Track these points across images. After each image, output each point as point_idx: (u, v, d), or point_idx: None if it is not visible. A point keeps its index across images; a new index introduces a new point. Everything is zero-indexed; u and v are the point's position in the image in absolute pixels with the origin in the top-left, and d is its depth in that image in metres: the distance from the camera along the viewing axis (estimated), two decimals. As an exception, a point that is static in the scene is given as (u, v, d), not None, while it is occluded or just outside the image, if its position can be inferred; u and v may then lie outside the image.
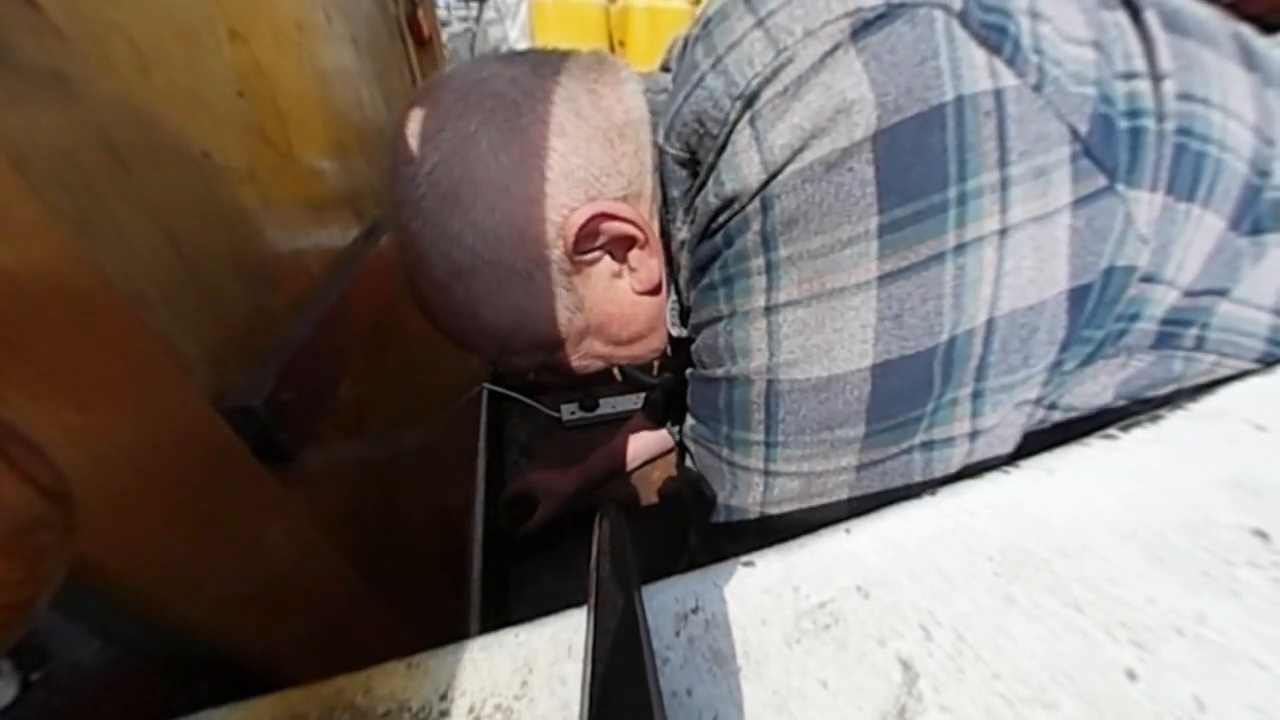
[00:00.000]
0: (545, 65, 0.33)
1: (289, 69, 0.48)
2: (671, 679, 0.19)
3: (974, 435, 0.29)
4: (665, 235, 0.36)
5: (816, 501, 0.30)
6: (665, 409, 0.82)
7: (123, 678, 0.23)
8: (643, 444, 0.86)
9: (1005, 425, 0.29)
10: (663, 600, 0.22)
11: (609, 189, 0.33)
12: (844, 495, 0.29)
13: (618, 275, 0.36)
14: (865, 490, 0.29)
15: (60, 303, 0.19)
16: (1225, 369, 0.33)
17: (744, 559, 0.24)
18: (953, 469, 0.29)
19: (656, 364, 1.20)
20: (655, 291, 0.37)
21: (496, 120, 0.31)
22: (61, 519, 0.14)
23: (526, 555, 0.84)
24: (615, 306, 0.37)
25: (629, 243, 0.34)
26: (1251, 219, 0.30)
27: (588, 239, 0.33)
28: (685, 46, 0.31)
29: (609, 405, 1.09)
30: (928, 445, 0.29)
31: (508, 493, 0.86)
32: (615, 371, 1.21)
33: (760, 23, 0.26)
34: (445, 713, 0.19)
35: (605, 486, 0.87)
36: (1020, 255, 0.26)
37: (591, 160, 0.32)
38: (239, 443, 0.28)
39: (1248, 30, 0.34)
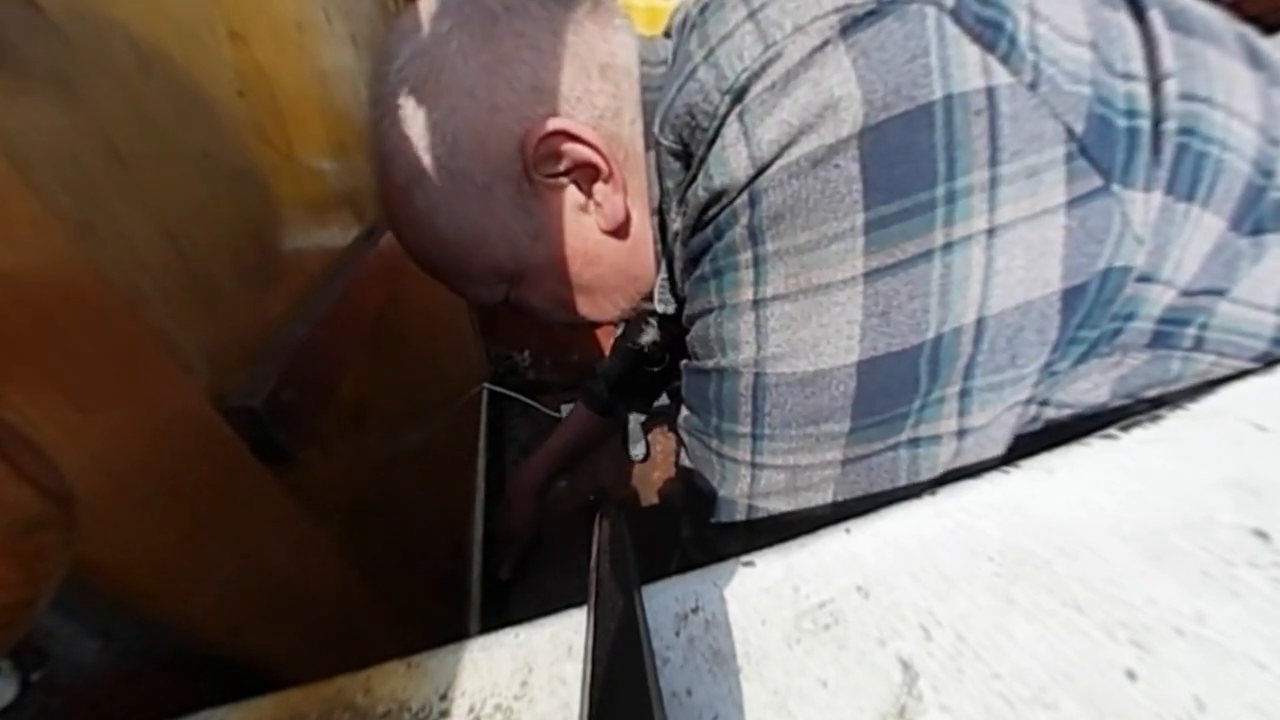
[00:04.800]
0: None
1: (289, 69, 0.48)
2: (671, 679, 0.19)
3: (961, 434, 0.29)
4: (663, 226, 0.36)
5: (803, 495, 0.30)
6: (610, 398, 0.83)
7: (123, 678, 0.23)
8: (581, 433, 0.87)
9: (996, 426, 0.29)
10: (663, 600, 0.22)
11: (577, 113, 0.32)
12: (830, 490, 0.30)
13: (583, 209, 0.35)
14: (851, 485, 0.29)
15: (60, 303, 0.19)
16: (1224, 369, 0.33)
17: (744, 559, 0.24)
18: (939, 468, 0.29)
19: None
20: (621, 234, 0.36)
21: (471, 26, 0.32)
22: (61, 519, 0.14)
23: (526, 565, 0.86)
24: (579, 241, 0.36)
25: (593, 173, 0.33)
26: (1253, 219, 0.30)
27: (549, 160, 0.33)
28: (684, 26, 0.31)
29: (609, 405, 1.09)
30: (914, 443, 0.29)
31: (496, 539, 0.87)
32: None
33: (752, 15, 0.26)
34: (445, 713, 0.19)
35: (559, 480, 0.90)
36: (1011, 255, 0.26)
37: (562, 80, 0.32)
38: (239, 443, 0.28)
39: (1251, 31, 0.34)
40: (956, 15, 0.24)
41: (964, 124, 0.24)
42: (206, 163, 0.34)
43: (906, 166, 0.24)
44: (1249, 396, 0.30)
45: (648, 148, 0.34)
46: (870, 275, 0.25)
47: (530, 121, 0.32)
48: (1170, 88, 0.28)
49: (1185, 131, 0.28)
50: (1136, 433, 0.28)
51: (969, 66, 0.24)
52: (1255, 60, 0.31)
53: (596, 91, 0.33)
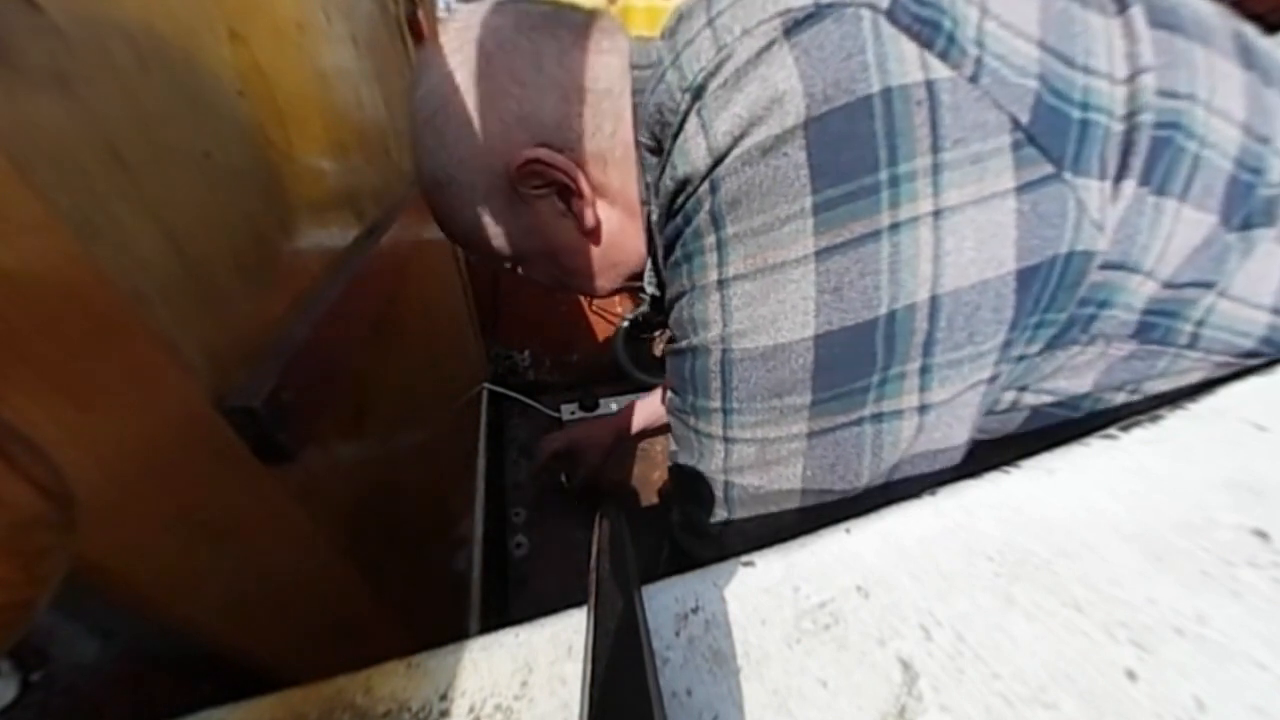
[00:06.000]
0: (526, 20, 0.39)
1: (289, 69, 0.48)
2: (671, 679, 0.19)
3: (923, 409, 0.29)
4: (648, 217, 0.39)
5: (774, 469, 0.31)
6: None
7: (123, 678, 0.23)
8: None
9: (959, 404, 0.30)
10: (663, 600, 0.22)
11: (556, 138, 0.38)
12: (799, 464, 0.31)
13: (564, 215, 0.41)
14: (819, 459, 0.30)
15: (60, 303, 0.19)
16: (1209, 364, 0.34)
17: (744, 559, 0.24)
18: (903, 443, 0.30)
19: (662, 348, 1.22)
20: (595, 238, 0.42)
21: (470, 65, 0.38)
22: (61, 519, 0.14)
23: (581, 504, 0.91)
24: (561, 239, 0.43)
25: (567, 190, 0.39)
26: (1242, 215, 0.30)
27: (531, 178, 0.39)
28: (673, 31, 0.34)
29: (609, 405, 1.10)
30: (877, 417, 0.30)
31: (548, 450, 0.91)
32: (619, 362, 1.21)
33: (710, 22, 0.28)
34: (445, 713, 0.19)
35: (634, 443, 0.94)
36: (960, 236, 0.27)
37: (544, 110, 0.37)
38: (239, 443, 0.28)
39: (1250, 29, 0.34)
40: (892, 16, 0.26)
41: (905, 114, 0.26)
42: (207, 163, 0.34)
43: (850, 153, 0.26)
44: (1249, 396, 0.30)
45: (636, 146, 0.37)
46: (821, 254, 0.27)
47: (514, 149, 0.38)
48: (1147, 82, 0.29)
49: (1163, 126, 0.29)
50: (1136, 433, 0.28)
51: (907, 62, 0.26)
52: (1247, 59, 0.32)
53: (576, 115, 0.37)
